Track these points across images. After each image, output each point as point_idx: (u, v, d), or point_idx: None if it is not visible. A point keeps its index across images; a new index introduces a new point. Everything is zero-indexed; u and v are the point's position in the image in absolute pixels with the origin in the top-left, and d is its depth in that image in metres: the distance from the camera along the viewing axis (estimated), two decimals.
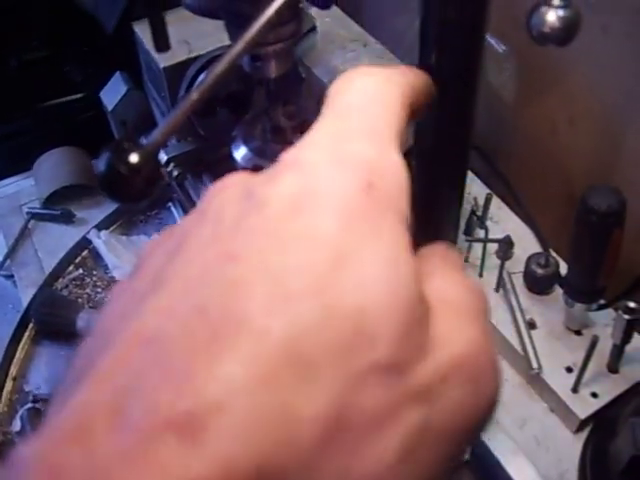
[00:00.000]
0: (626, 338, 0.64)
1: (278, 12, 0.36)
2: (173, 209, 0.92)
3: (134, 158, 0.35)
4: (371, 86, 0.28)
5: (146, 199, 0.36)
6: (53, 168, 0.94)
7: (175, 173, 0.75)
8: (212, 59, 0.69)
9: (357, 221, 0.22)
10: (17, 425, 0.72)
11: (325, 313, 0.19)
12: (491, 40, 0.78)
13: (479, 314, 0.25)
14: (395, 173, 0.24)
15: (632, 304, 0.62)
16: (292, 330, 0.19)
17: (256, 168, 0.51)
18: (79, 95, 1.20)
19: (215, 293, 0.20)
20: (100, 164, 0.35)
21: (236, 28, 0.44)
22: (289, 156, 0.24)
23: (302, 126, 0.51)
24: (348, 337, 0.19)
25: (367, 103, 0.27)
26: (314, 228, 0.21)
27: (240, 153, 0.51)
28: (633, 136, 0.74)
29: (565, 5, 0.40)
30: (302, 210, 0.22)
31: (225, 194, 0.25)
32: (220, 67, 0.35)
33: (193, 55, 0.71)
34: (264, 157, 0.50)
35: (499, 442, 0.55)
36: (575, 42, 0.76)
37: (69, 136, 1.02)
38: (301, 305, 0.19)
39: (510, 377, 0.74)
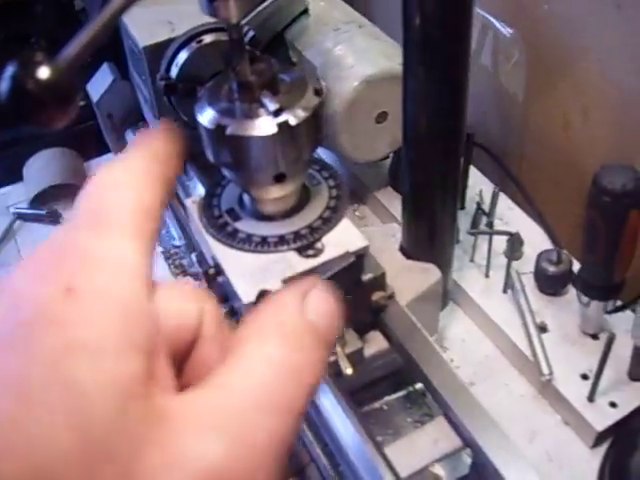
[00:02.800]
0: None
1: None
2: None
3: (44, 73, 0.30)
4: (113, 184, 0.28)
5: (60, 125, 0.31)
6: (42, 168, 0.90)
7: None
8: (190, 37, 0.65)
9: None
10: None
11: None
12: (497, 24, 0.73)
13: (273, 407, 0.23)
14: (108, 269, 0.24)
15: None
16: None
17: (219, 128, 0.46)
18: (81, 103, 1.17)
19: None
20: (3, 81, 0.30)
21: None
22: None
23: (271, 83, 0.45)
24: None
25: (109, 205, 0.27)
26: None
27: (204, 115, 0.46)
28: None
29: None
30: None
31: None
32: None
33: (174, 35, 0.67)
34: (230, 116, 0.45)
35: (505, 456, 0.48)
36: (587, 22, 0.71)
37: (65, 143, 0.99)
38: None
39: (519, 386, 0.67)
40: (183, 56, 0.64)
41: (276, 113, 0.44)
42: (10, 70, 0.30)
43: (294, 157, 0.47)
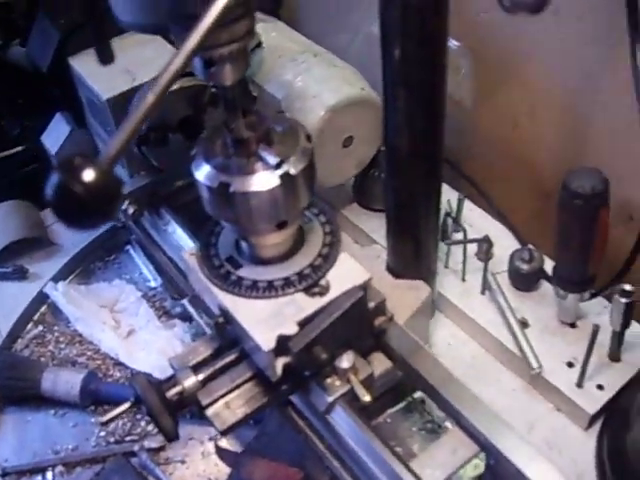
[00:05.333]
0: (626, 323, 0.62)
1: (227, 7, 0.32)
2: (132, 251, 0.87)
3: (90, 175, 0.30)
4: None
5: (108, 221, 0.32)
6: (0, 224, 0.88)
7: (131, 210, 0.70)
8: None
9: None
10: None
11: None
12: None
13: None
14: None
15: (628, 286, 0.59)
16: None
17: (222, 186, 0.47)
18: (18, 149, 1.14)
19: None
20: (49, 188, 0.30)
21: (184, 31, 0.40)
22: None
23: (266, 136, 0.47)
24: None
25: None
26: None
27: (203, 172, 0.47)
28: (599, 117, 0.72)
29: None
30: None
31: None
32: (176, 63, 0.31)
33: (137, 84, 0.67)
34: (229, 172, 0.46)
35: (524, 456, 0.51)
36: (527, 27, 0.75)
37: (13, 190, 0.97)
38: None
39: (509, 381, 0.70)
40: None
41: (277, 166, 0.46)
42: (56, 176, 0.30)
43: (295, 204, 0.48)
